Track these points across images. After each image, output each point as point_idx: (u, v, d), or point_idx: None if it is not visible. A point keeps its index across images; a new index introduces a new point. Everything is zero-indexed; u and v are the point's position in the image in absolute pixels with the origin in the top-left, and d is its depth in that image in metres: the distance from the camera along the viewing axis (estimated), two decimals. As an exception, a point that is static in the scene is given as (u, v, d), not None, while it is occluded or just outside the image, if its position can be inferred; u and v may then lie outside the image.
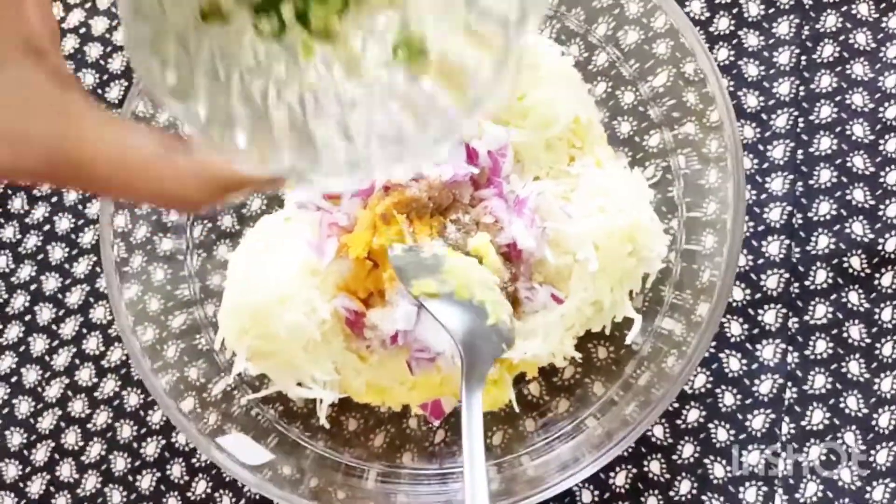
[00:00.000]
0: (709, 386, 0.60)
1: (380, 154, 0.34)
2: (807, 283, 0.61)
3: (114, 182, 0.31)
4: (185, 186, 0.32)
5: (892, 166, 0.61)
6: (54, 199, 0.69)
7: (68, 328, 0.67)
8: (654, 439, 0.60)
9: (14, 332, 0.67)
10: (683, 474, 0.60)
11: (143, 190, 0.32)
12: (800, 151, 0.62)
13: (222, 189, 0.33)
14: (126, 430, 0.65)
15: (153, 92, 0.33)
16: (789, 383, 0.60)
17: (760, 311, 0.61)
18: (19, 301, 0.67)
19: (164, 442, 0.64)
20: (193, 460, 0.64)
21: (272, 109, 0.35)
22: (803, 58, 0.64)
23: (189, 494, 0.63)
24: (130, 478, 0.64)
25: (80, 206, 0.68)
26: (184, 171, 0.32)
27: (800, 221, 0.62)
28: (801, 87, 0.63)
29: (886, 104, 0.62)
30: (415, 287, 0.53)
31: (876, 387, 0.59)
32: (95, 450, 0.65)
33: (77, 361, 0.66)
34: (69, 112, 0.30)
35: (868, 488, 0.58)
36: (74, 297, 0.67)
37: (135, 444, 0.64)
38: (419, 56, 0.35)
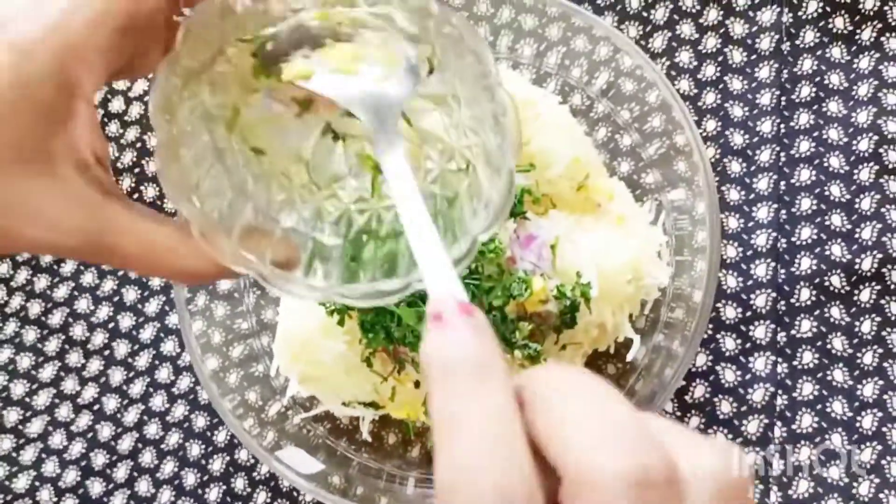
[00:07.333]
0: (707, 395, 0.67)
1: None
2: (792, 300, 0.67)
3: (142, 261, 0.38)
4: (200, 264, 0.39)
5: (866, 193, 0.67)
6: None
7: (142, 360, 0.76)
8: (660, 445, 0.67)
9: (95, 365, 0.76)
10: (687, 475, 0.66)
11: (166, 267, 0.39)
12: (782, 183, 0.69)
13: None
14: (195, 449, 0.73)
15: (172, 191, 0.38)
16: (780, 391, 0.66)
17: (751, 328, 0.67)
18: (99, 338, 0.77)
19: (228, 458, 0.73)
20: (254, 474, 0.72)
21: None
22: (783, 98, 0.70)
23: (251, 504, 0.72)
24: (200, 491, 0.72)
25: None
26: (200, 252, 0.38)
27: (784, 246, 0.68)
28: (782, 125, 0.70)
29: (859, 138, 0.68)
30: (285, 72, 0.42)
31: (859, 392, 0.65)
32: (169, 467, 0.73)
33: (151, 390, 0.75)
34: (106, 210, 0.36)
35: (854, 484, 0.64)
36: (147, 333, 0.76)
37: (203, 461, 0.73)
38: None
